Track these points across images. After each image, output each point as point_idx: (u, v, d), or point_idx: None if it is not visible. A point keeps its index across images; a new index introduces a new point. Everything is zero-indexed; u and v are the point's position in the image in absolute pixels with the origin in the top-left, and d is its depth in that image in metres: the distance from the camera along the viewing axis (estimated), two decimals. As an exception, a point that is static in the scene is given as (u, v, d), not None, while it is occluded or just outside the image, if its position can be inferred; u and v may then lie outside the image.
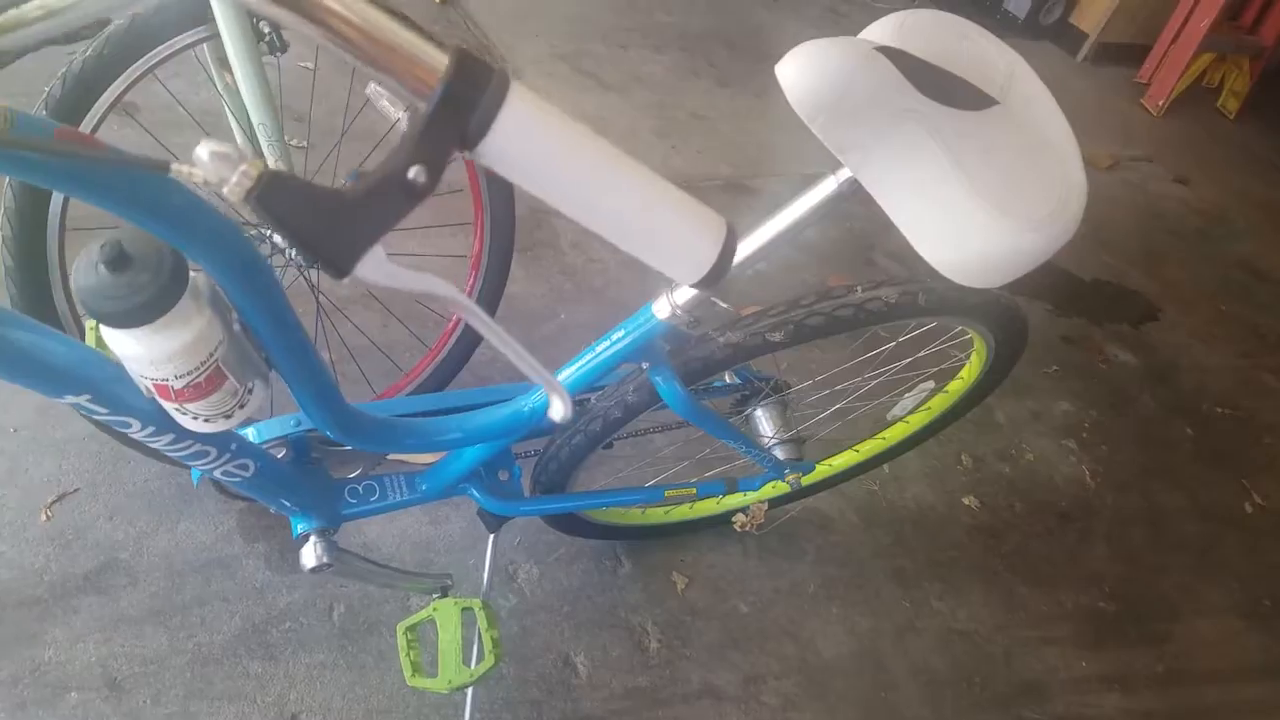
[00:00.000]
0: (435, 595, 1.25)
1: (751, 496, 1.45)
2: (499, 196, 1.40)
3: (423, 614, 1.22)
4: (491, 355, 1.67)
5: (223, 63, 1.20)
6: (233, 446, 0.93)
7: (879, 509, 1.83)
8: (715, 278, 0.49)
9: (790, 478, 1.40)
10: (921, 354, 1.36)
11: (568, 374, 1.08)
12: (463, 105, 0.43)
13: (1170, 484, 2.11)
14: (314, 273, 1.41)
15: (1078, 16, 4.16)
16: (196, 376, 0.76)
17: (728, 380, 1.40)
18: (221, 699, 1.25)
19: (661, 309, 0.99)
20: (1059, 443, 2.12)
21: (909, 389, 1.50)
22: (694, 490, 1.33)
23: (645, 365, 1.08)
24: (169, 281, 0.68)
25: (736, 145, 2.73)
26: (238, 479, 0.97)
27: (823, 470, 1.60)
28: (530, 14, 3.05)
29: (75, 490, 1.39)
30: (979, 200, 0.81)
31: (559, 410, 0.55)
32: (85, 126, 1.13)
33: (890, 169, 0.82)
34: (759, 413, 1.44)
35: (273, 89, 1.20)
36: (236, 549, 1.39)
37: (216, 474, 0.94)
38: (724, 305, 1.05)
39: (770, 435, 1.41)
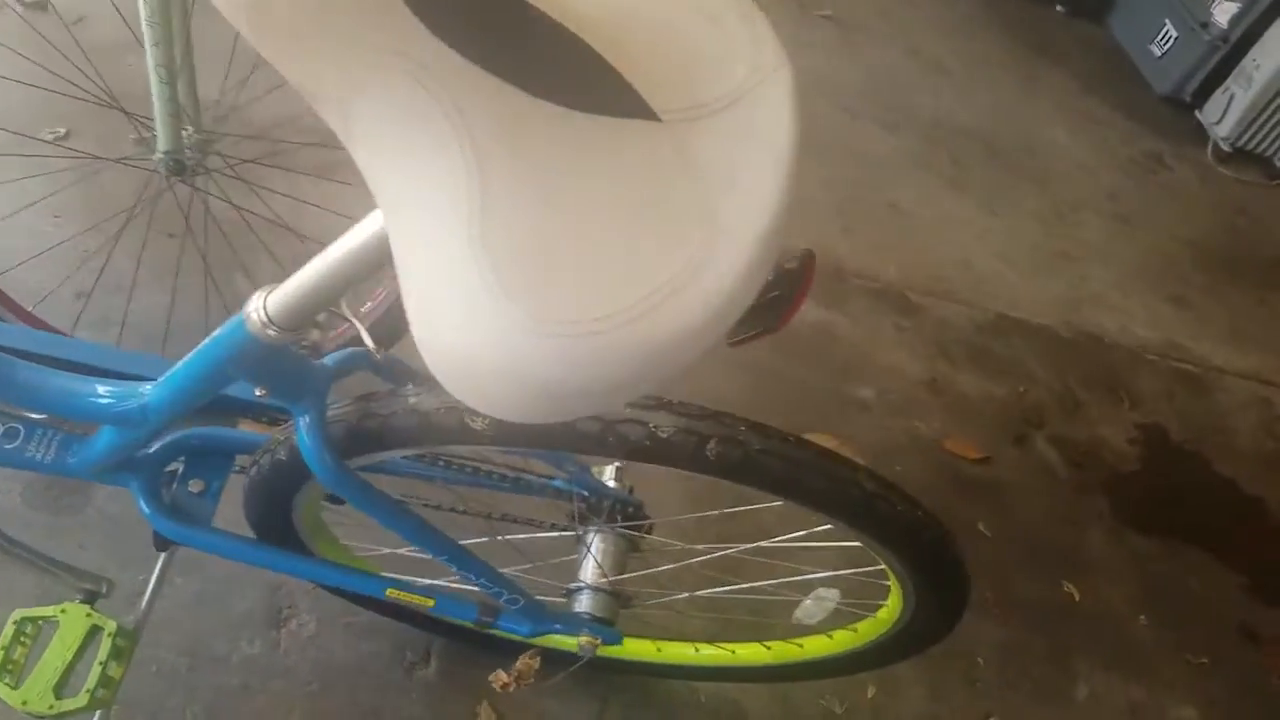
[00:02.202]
0: (78, 597, 1.00)
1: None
2: None
3: (48, 611, 0.98)
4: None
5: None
6: None
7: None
8: None
9: (584, 640, 0.98)
10: (810, 545, 0.90)
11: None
12: None
13: None
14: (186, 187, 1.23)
15: None
16: None
17: (564, 483, 1.03)
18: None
19: (252, 312, 0.66)
20: (1156, 766, 1.44)
21: (809, 592, 1.02)
22: (431, 602, 0.96)
23: (262, 390, 0.76)
24: None
25: (925, 252, 2.17)
26: None
27: (684, 654, 1.15)
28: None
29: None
30: (478, 246, 0.41)
31: None
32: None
33: (377, 154, 0.44)
34: (594, 539, 1.04)
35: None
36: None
37: None
38: (348, 315, 0.67)
39: (588, 576, 1.02)
